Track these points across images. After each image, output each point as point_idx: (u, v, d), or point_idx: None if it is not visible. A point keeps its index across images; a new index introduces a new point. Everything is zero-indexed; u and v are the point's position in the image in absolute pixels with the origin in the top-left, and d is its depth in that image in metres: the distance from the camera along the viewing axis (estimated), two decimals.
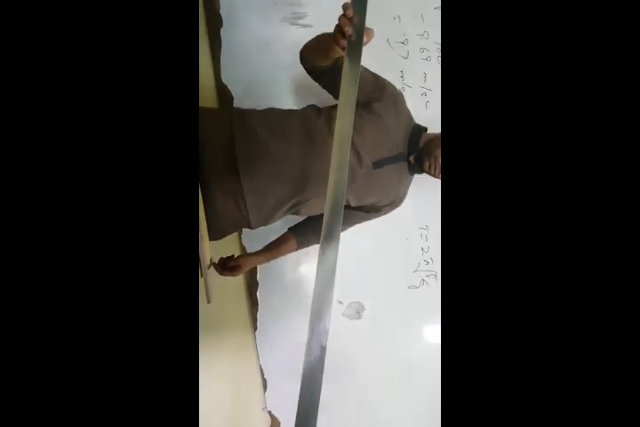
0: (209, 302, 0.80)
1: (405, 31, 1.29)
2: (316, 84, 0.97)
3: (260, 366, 1.39)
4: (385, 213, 1.08)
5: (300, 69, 1.14)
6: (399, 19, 1.29)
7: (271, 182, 0.88)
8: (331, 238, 0.68)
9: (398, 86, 1.28)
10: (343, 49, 0.71)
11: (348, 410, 1.43)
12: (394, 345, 1.44)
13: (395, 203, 1.06)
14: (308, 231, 1.05)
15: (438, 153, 0.91)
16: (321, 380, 0.63)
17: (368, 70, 0.94)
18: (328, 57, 0.84)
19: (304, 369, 0.63)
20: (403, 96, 1.01)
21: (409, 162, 0.99)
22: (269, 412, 1.41)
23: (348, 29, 0.67)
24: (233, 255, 1.07)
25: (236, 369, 1.38)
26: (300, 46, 1.25)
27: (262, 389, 1.40)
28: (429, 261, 1.43)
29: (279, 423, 1.41)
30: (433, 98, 1.31)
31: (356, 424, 1.45)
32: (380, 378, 1.44)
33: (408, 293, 1.42)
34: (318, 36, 0.86)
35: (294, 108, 1.02)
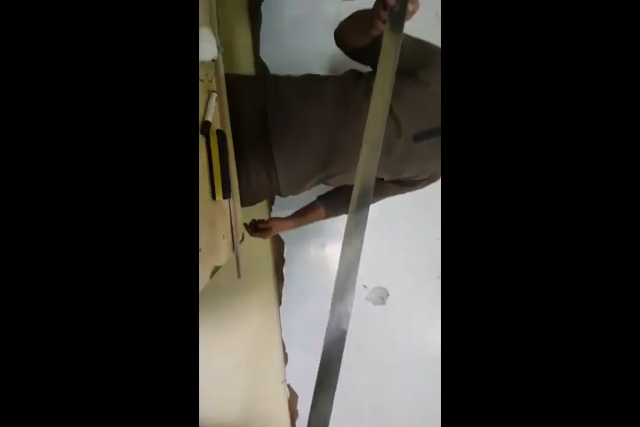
0: (239, 276, 0.82)
1: None
2: (350, 61, 0.93)
3: (282, 341, 1.43)
4: (421, 188, 1.03)
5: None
6: None
7: (301, 153, 0.86)
8: (358, 220, 0.66)
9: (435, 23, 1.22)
10: (384, 22, 0.67)
11: (365, 393, 1.47)
12: (415, 333, 1.45)
13: (432, 177, 1.01)
14: (337, 201, 1.04)
15: None
16: (339, 362, 0.63)
17: (415, 38, 0.88)
18: (367, 34, 0.79)
19: (323, 351, 0.63)
20: None
21: None
22: (288, 385, 1.46)
23: (391, 1, 0.64)
24: (263, 219, 1.07)
25: (258, 342, 1.43)
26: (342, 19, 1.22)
27: (283, 362, 1.45)
28: None
29: (297, 397, 1.46)
30: None
31: (372, 407, 1.48)
32: (399, 365, 1.46)
33: (436, 283, 1.41)
34: (353, 14, 0.82)
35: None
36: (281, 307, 1.40)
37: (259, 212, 1.26)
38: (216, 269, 0.69)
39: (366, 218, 0.67)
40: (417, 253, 1.39)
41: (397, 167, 0.93)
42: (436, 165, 0.98)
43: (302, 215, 1.07)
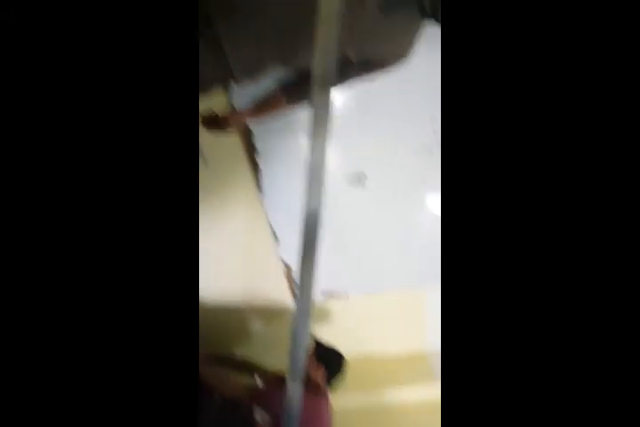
0: (207, 166, 0.82)
1: None
2: None
3: (270, 223, 1.52)
4: (389, 68, 0.96)
5: None
6: None
7: (248, 22, 0.78)
8: (322, 103, 0.62)
9: None
10: None
11: (348, 263, 1.62)
12: (396, 212, 1.53)
13: (401, 56, 0.93)
14: (298, 86, 0.99)
15: None
16: (319, 215, 0.63)
17: None
18: None
19: (303, 235, 0.63)
20: None
21: (422, 7, 0.83)
22: (282, 260, 1.61)
23: None
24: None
25: (247, 226, 1.52)
26: None
27: (274, 241, 1.56)
28: (439, 129, 1.39)
29: (291, 269, 1.63)
30: None
31: (359, 271, 1.66)
32: (380, 243, 1.58)
33: (413, 160, 1.42)
34: None
35: None
36: (262, 194, 1.45)
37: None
38: None
39: (329, 101, 0.63)
40: (394, 130, 1.38)
41: (363, 42, 0.84)
42: (404, 40, 0.88)
43: (261, 104, 1.01)
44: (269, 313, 1.77)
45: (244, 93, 1.12)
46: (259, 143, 1.36)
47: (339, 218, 1.49)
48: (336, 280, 1.70)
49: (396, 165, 1.44)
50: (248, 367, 1.75)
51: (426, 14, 0.86)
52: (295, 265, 1.61)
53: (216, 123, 1.00)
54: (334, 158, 1.42)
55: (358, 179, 1.45)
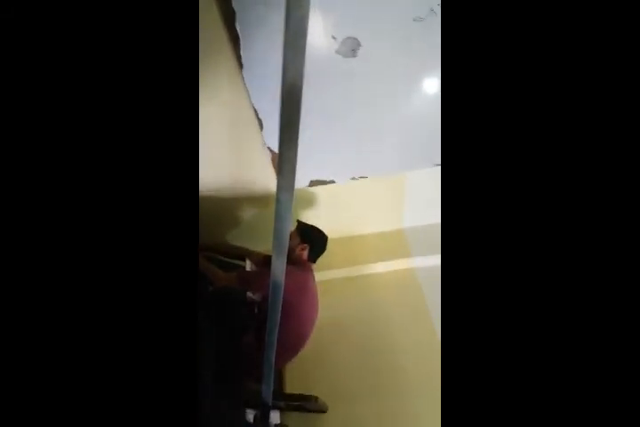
0: None
1: None
2: None
3: (254, 107, 1.39)
4: None
5: None
6: None
7: None
8: None
9: None
10: None
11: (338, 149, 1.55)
12: (393, 87, 1.39)
13: None
14: None
15: None
16: (298, 121, 0.58)
17: None
18: None
19: (280, 112, 0.57)
20: None
21: None
22: (268, 148, 1.53)
23: None
24: None
25: (230, 113, 1.39)
26: None
27: (259, 129, 1.46)
28: None
29: (276, 154, 1.56)
30: None
31: (346, 156, 1.60)
32: (371, 125, 1.48)
33: (412, 26, 1.24)
34: None
35: None
36: (243, 70, 1.28)
37: None
38: None
39: None
40: None
41: None
42: None
43: None
44: (257, 200, 1.77)
45: None
46: (237, 8, 1.14)
47: (325, 93, 1.38)
48: (322, 167, 1.66)
49: (393, 33, 1.27)
50: (239, 252, 1.85)
51: None
52: None
53: None
54: (321, 23, 1.23)
55: (351, 47, 1.29)
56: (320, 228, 1.64)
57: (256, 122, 1.44)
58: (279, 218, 0.64)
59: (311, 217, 1.85)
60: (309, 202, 1.89)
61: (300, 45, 0.54)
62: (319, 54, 1.29)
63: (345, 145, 1.57)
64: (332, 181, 1.72)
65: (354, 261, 2.02)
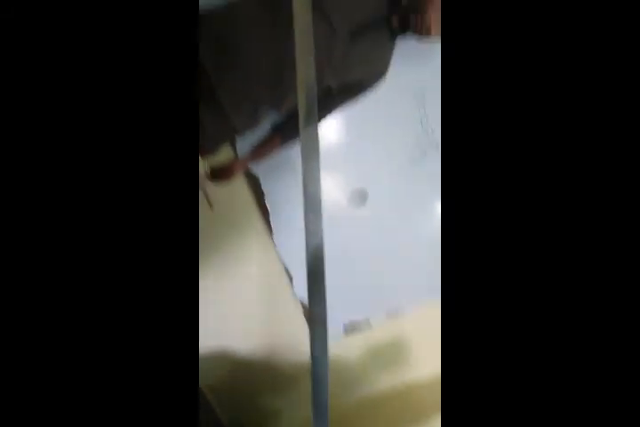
0: (210, 206, 0.85)
1: None
2: None
3: (284, 264, 1.54)
4: (369, 91, 1.03)
5: None
6: None
7: (241, 81, 0.85)
8: (308, 121, 0.64)
9: None
10: None
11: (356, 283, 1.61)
12: (398, 228, 1.55)
13: (378, 76, 1.00)
14: (290, 125, 1.03)
15: (426, 5, 0.83)
16: (323, 273, 0.65)
17: None
18: None
19: (307, 269, 0.65)
20: None
21: (391, 26, 0.91)
22: (300, 301, 1.61)
23: None
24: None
25: (261, 270, 1.54)
26: None
27: (289, 281, 1.58)
28: (430, 131, 1.42)
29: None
30: None
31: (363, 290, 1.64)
32: (384, 257, 1.59)
33: (414, 170, 1.45)
34: None
35: None
36: (273, 235, 1.49)
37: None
38: None
39: (316, 133, 0.66)
40: (394, 144, 1.42)
41: (341, 70, 0.91)
42: (379, 61, 0.96)
43: (259, 148, 1.08)
44: (289, 368, 1.72)
45: (243, 140, 1.20)
46: (263, 183, 1.42)
47: (345, 243, 1.51)
48: (355, 309, 1.68)
49: (394, 176, 1.47)
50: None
51: (396, 32, 0.94)
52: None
53: (221, 174, 1.05)
54: (333, 182, 1.47)
55: (360, 197, 1.48)
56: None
57: (286, 277, 1.57)
58: (316, 389, 0.62)
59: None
60: (346, 355, 1.82)
61: (317, 209, 0.66)
62: (333, 208, 1.49)
63: (370, 284, 1.64)
64: (367, 320, 1.72)
65: None
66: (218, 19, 0.87)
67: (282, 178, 1.42)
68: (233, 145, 1.31)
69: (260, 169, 1.41)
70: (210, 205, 0.84)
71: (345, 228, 1.53)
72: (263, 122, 0.99)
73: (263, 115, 0.95)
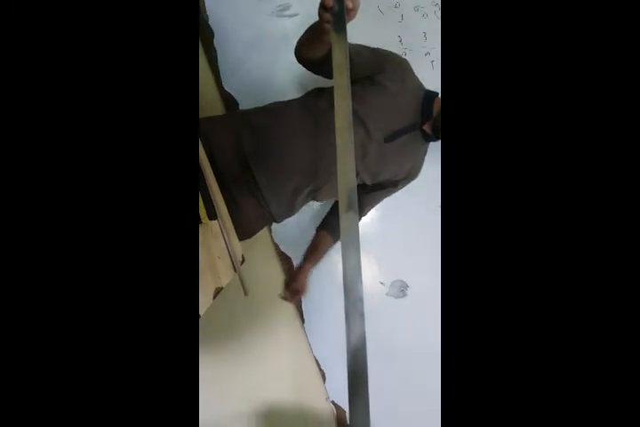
0: (246, 294, 0.83)
1: None
2: (311, 75, 0.96)
3: (315, 358, 1.41)
4: (402, 187, 1.06)
5: (294, 61, 1.13)
6: None
7: (282, 172, 0.89)
8: (350, 226, 0.65)
9: (399, 51, 1.25)
10: (328, 22, 0.70)
11: (398, 386, 1.43)
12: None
13: (411, 175, 1.04)
14: (336, 222, 1.06)
15: None
16: (366, 369, 0.59)
17: (365, 46, 0.92)
18: (321, 41, 0.82)
19: (348, 363, 0.58)
20: (407, 63, 0.97)
21: (423, 131, 0.96)
22: (332, 401, 1.42)
23: (329, 2, 0.67)
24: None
25: (292, 365, 1.40)
26: (291, 35, 1.26)
27: (322, 380, 1.42)
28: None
29: (344, 411, 1.42)
30: (437, 56, 1.26)
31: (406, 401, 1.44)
32: (428, 354, 1.43)
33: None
34: (307, 29, 0.85)
35: (298, 94, 1.02)
36: (305, 324, 1.38)
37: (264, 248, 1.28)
38: (217, 290, 0.70)
39: (357, 221, 0.66)
40: (428, 237, 1.38)
41: (375, 169, 0.96)
42: (412, 162, 1.01)
43: (314, 250, 1.13)
44: None
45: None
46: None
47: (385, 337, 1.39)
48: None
49: (434, 266, 1.40)
50: None
51: (429, 138, 0.97)
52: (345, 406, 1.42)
53: (293, 291, 1.11)
54: (370, 273, 1.41)
55: (400, 289, 1.40)
56: None
57: (318, 372, 1.41)
58: None
59: None
60: None
61: (358, 311, 0.61)
62: (372, 300, 1.40)
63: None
64: None
65: None
66: (262, 112, 0.94)
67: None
68: (269, 231, 1.31)
69: (292, 251, 1.37)
70: (245, 292, 0.80)
71: (385, 320, 1.41)
72: (299, 210, 1.01)
73: (300, 204, 0.97)
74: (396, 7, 1.26)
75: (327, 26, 0.72)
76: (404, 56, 1.00)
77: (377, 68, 0.91)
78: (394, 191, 1.07)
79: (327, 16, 0.70)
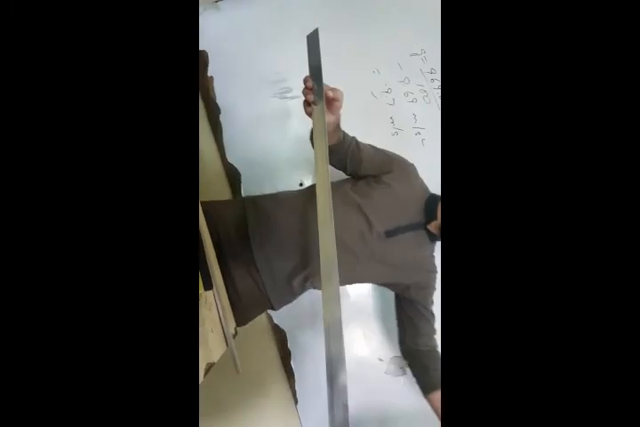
0: (237, 371, 0.77)
1: (386, 81, 1.38)
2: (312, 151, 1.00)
3: None
4: (416, 295, 1.01)
5: (296, 138, 1.21)
6: (378, 71, 1.39)
7: (280, 253, 0.89)
8: (332, 309, 0.65)
9: (391, 131, 1.33)
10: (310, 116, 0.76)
11: None
12: None
13: (423, 282, 1.00)
14: None
15: None
16: None
17: (375, 147, 0.99)
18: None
19: None
20: (414, 167, 1.01)
21: (428, 230, 0.96)
22: None
23: (310, 97, 0.75)
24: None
25: None
26: (292, 116, 1.35)
27: None
28: None
29: None
30: (427, 135, 1.34)
31: None
32: None
33: None
34: None
35: (297, 167, 1.06)
36: (298, 405, 1.28)
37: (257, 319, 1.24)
38: (209, 366, 0.65)
39: (339, 312, 0.65)
40: None
41: (377, 269, 0.94)
42: (417, 262, 0.99)
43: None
44: None
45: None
46: (290, 340, 1.30)
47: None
48: None
49: None
50: None
51: (434, 238, 0.97)
52: None
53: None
54: (368, 349, 1.33)
55: (400, 367, 1.32)
56: None
57: None
58: None
59: None
60: None
61: (341, 401, 0.61)
62: (369, 375, 1.31)
63: None
64: None
65: None
66: (269, 197, 0.97)
67: (308, 335, 1.31)
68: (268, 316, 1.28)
69: (286, 324, 1.32)
70: (237, 370, 0.76)
71: (384, 395, 1.31)
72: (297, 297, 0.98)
73: (298, 290, 0.95)
74: (387, 92, 1.38)
75: (309, 109, 0.78)
76: (395, 136, 1.07)
77: (384, 169, 0.96)
78: (415, 303, 1.02)
79: (310, 110, 0.76)
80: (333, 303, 0.65)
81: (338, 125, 0.86)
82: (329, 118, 0.78)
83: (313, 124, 0.76)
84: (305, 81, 0.76)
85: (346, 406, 0.60)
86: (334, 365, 0.62)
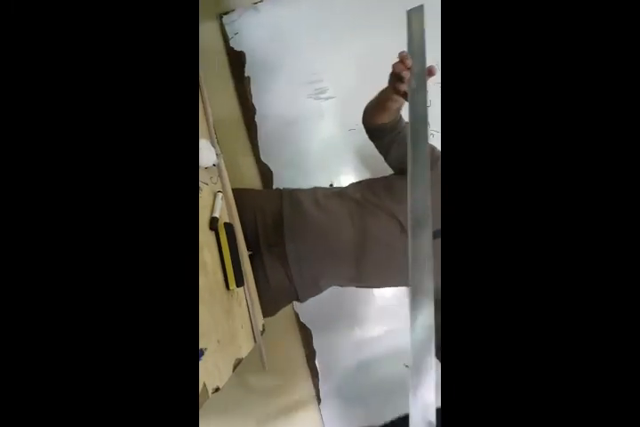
0: (264, 368, 0.78)
1: None
2: (344, 151, 0.99)
3: None
4: None
5: (329, 138, 1.20)
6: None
7: (310, 251, 0.89)
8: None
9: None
10: (403, 95, 0.68)
11: None
12: None
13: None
14: None
15: None
16: None
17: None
18: (385, 109, 0.81)
19: None
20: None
21: None
22: None
23: (406, 73, 0.64)
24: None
25: None
26: (326, 117, 1.35)
27: None
28: None
29: None
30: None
31: None
32: None
33: None
34: (376, 95, 0.84)
35: (329, 168, 1.05)
36: (321, 405, 1.28)
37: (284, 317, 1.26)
38: (238, 361, 0.67)
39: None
40: None
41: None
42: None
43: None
44: None
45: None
46: (315, 338, 1.31)
47: None
48: None
49: None
50: None
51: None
52: None
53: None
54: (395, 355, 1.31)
55: None
56: None
57: None
58: None
59: None
60: None
61: (426, 419, 0.49)
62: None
63: None
64: None
65: None
66: (305, 191, 0.97)
67: (336, 335, 1.31)
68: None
69: (313, 323, 1.32)
70: (263, 366, 0.77)
71: None
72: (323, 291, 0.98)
73: (325, 286, 0.95)
74: None
75: (397, 99, 0.71)
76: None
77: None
78: None
79: (403, 87, 0.66)
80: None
81: (403, 103, 0.78)
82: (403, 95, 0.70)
83: (409, 107, 0.63)
84: (403, 57, 0.65)
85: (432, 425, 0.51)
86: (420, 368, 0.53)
